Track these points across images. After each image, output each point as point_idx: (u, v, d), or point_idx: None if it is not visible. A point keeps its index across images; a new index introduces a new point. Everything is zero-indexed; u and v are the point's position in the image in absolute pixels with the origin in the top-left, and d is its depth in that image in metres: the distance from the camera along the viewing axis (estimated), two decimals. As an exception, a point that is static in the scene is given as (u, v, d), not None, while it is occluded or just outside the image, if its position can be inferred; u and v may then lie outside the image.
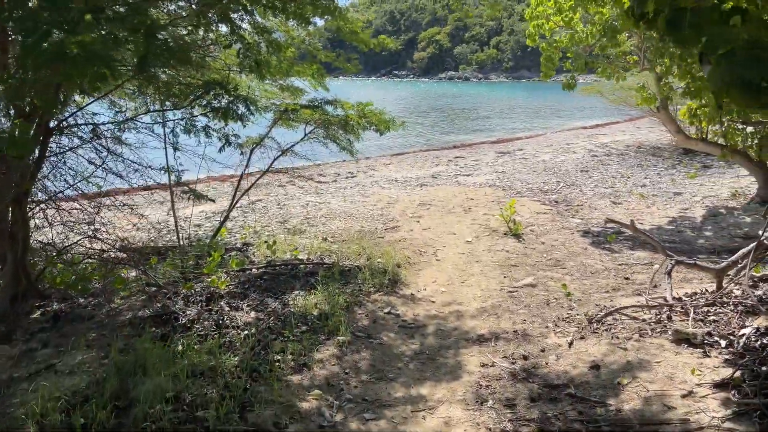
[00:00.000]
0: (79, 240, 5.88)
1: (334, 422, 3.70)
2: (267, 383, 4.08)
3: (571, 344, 4.49)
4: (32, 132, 4.53)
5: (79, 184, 5.42)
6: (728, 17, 3.18)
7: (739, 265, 5.40)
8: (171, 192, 6.96)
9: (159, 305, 5.67)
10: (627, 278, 6.34)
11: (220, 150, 5.42)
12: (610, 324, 4.70)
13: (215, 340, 4.69)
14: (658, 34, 4.89)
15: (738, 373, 3.56)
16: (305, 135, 7.38)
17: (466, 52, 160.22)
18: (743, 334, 3.92)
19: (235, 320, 5.24)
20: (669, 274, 5.16)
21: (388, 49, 7.10)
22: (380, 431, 3.63)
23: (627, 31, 9.17)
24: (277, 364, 4.41)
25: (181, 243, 7.84)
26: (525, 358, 4.38)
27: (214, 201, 6.73)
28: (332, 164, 18.55)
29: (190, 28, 4.84)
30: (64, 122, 5.24)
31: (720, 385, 3.55)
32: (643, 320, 4.63)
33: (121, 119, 5.26)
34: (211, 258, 6.57)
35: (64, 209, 5.74)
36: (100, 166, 5.27)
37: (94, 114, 5.43)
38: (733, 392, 3.45)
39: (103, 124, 5.32)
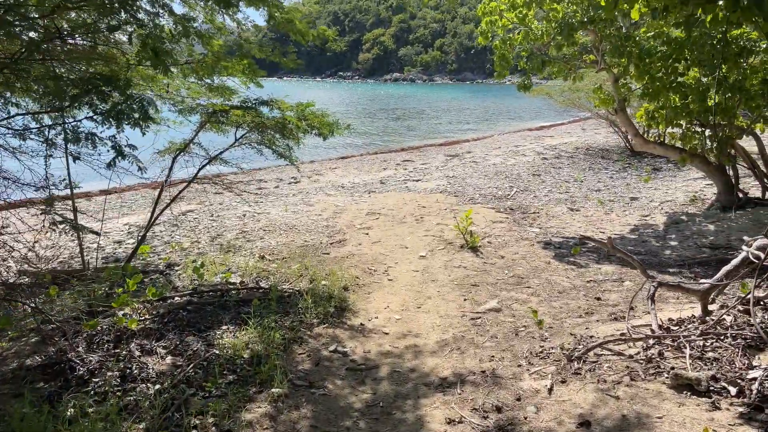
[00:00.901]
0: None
1: None
2: (178, 462, 3.18)
3: (551, 390, 3.78)
4: None
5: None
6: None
7: (723, 284, 4.87)
8: (74, 206, 5.87)
9: (53, 350, 4.64)
10: (598, 298, 5.73)
11: (108, 165, 4.40)
12: (593, 362, 4.03)
13: (116, 401, 3.73)
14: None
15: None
16: (236, 140, 6.44)
17: (411, 53, 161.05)
18: (754, 378, 3.31)
19: (146, 369, 4.28)
20: (652, 299, 4.56)
21: (329, 41, 6.26)
22: None
23: (583, 29, 8.68)
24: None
25: (94, 266, 6.75)
26: (498, 410, 3.63)
27: (98, 234, 5.67)
28: (274, 169, 17.53)
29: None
30: None
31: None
32: (631, 357, 3.99)
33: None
34: (124, 286, 5.54)
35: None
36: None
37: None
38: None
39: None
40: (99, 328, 4.95)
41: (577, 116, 32.14)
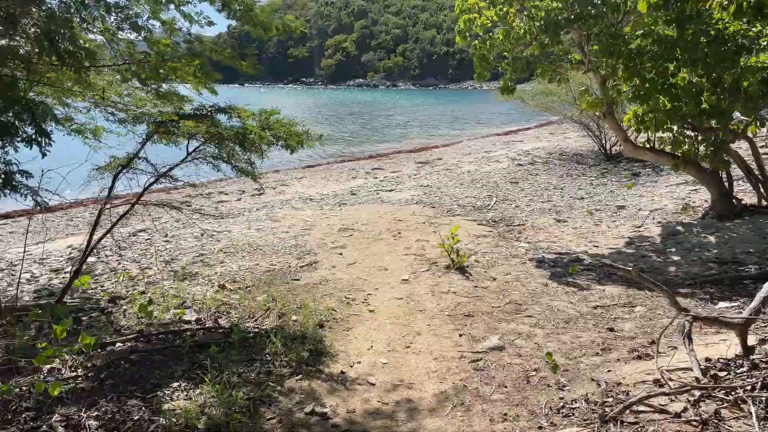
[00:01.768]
0: None
1: None
2: None
3: (588, 467, 3.02)
4: None
5: None
6: None
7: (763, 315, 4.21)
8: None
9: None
10: (611, 329, 5.03)
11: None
12: (633, 423, 3.28)
13: None
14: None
15: None
16: (188, 154, 5.52)
17: (374, 59, 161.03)
18: None
19: (70, 454, 3.35)
20: (689, 337, 3.85)
21: (296, 32, 5.40)
22: None
23: (571, 26, 8.06)
24: None
25: (22, 303, 5.74)
26: (526, 497, 2.85)
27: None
28: (236, 180, 16.43)
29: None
30: None
31: None
32: (678, 415, 3.26)
33: None
34: (53, 330, 4.56)
35: None
36: None
37: None
38: None
39: None
40: (18, 391, 3.99)
41: (544, 120, 32.04)
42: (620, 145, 10.49)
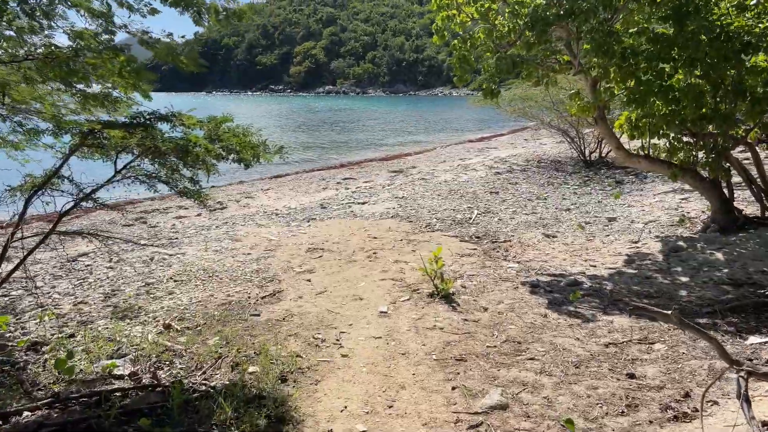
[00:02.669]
0: None
1: None
2: None
3: None
4: None
5: None
6: None
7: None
8: None
9: None
10: (632, 375, 4.22)
11: None
12: None
13: None
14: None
15: None
16: (116, 172, 4.53)
17: (343, 66, 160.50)
18: None
19: None
20: (747, 400, 3.05)
21: (243, 19, 4.46)
22: None
23: (560, 23, 7.32)
24: None
25: None
26: None
27: None
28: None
29: None
30: None
31: None
32: None
33: None
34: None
35: None
36: None
37: None
38: None
39: None
40: None
41: (517, 126, 31.60)
42: (608, 152, 9.80)
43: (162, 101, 5.64)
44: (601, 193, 11.72)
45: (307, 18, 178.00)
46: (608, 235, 8.37)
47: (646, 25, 7.60)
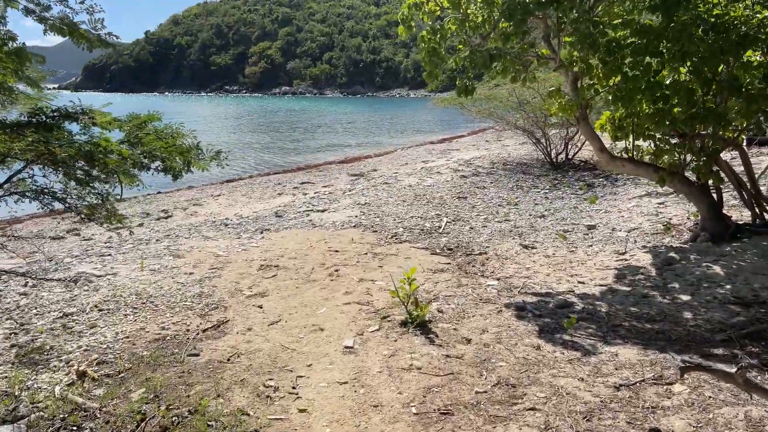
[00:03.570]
0: None
1: None
2: None
3: None
4: None
5: None
6: None
7: None
8: None
9: None
10: (656, 431, 3.45)
11: None
12: None
13: None
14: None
15: None
16: (-3, 187, 3.50)
17: (300, 67, 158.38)
18: None
19: None
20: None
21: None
22: None
23: (540, 13, 6.59)
24: None
25: None
26: None
27: None
28: (141, 199, 14.19)
29: None
30: None
31: None
32: None
33: None
34: None
35: None
36: None
37: None
38: None
39: None
40: None
41: (477, 128, 31.16)
42: (575, 153, 9.16)
43: (100, 100, 4.62)
44: (574, 198, 11.12)
45: (262, 18, 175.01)
46: (591, 246, 7.70)
47: (631, 17, 6.96)
